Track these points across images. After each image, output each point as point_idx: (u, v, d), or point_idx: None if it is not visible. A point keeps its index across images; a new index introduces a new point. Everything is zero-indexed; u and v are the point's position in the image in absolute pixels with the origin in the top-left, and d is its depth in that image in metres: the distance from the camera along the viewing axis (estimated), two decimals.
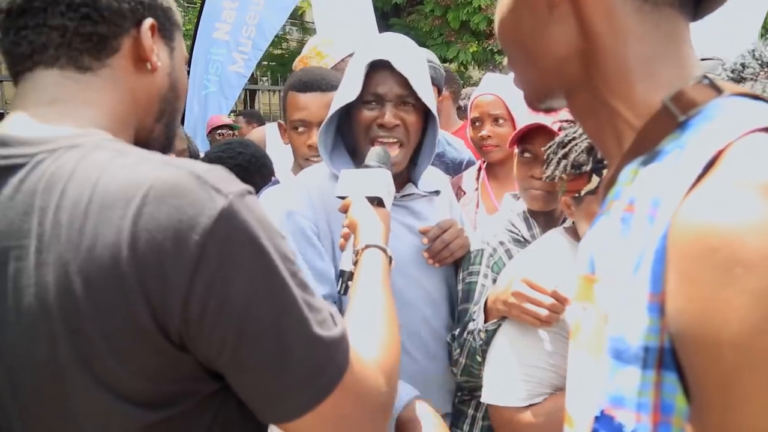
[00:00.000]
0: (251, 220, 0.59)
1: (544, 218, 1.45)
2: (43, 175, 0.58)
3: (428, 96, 1.30)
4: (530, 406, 1.12)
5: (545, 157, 1.24)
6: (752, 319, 0.38)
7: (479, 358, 1.25)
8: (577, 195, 1.17)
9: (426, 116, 1.35)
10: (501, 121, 1.84)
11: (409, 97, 1.27)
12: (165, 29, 0.74)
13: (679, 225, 0.44)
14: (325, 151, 1.34)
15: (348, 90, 1.26)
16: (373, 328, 0.75)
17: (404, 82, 1.26)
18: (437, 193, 1.45)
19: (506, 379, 1.17)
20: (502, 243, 1.39)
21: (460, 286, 1.39)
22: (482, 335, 1.21)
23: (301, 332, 0.60)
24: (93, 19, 0.66)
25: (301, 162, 1.64)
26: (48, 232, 0.56)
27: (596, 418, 0.51)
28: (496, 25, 0.63)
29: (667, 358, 0.45)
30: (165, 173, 0.57)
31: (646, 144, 0.53)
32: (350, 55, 2.05)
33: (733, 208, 0.40)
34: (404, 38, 1.35)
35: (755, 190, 0.40)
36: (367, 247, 0.94)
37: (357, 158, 1.35)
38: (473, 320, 1.27)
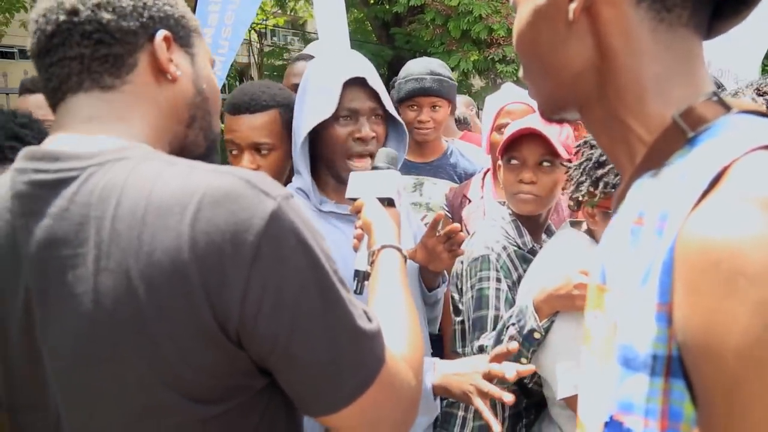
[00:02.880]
0: (297, 221, 0.62)
1: (530, 224, 1.49)
2: (96, 187, 0.61)
3: (392, 107, 1.36)
4: None
5: (572, 175, 1.26)
6: (754, 329, 0.40)
7: (524, 361, 1.25)
8: (608, 212, 1.19)
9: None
10: None
11: (378, 110, 1.33)
12: (181, 37, 0.75)
13: (685, 238, 0.45)
14: (305, 169, 1.34)
15: (321, 107, 1.28)
16: (398, 326, 0.78)
17: (374, 96, 1.32)
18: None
19: (577, 368, 1.19)
20: (505, 248, 1.41)
21: (469, 294, 1.38)
22: (536, 335, 1.22)
23: (346, 326, 0.63)
24: (106, 42, 0.68)
25: None
26: (106, 240, 0.59)
27: (606, 423, 0.52)
28: (514, 36, 0.64)
29: (675, 365, 0.47)
30: (217, 180, 0.61)
31: (657, 159, 0.54)
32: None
33: (735, 223, 0.42)
34: (358, 53, 1.40)
35: (757, 205, 0.42)
36: (383, 247, 0.96)
37: (331, 174, 1.36)
38: (512, 325, 1.25)
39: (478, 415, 1.38)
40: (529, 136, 1.40)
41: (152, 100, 0.72)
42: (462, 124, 3.40)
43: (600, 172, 1.19)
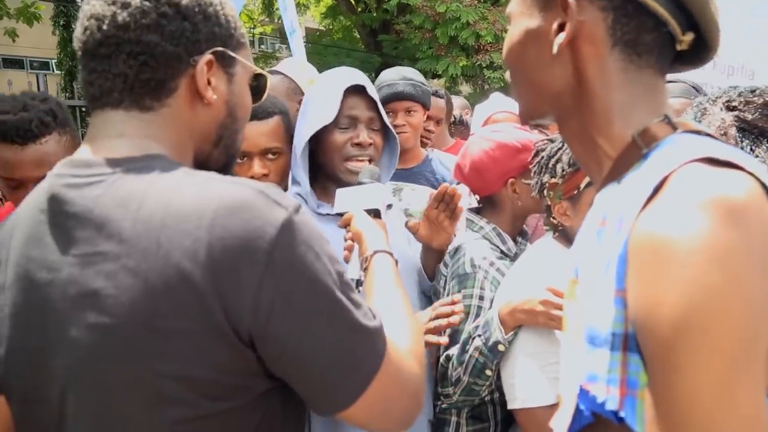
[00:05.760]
0: (306, 229, 0.67)
1: (512, 231, 1.54)
2: (119, 192, 0.66)
3: (387, 120, 1.44)
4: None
5: (533, 184, 1.33)
6: (682, 303, 0.49)
7: (489, 372, 1.27)
8: (576, 192, 1.24)
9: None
10: None
11: (376, 121, 1.40)
12: (224, 58, 0.76)
13: (635, 235, 0.55)
14: (305, 175, 1.40)
15: (322, 114, 1.34)
16: (399, 321, 0.82)
17: (373, 106, 1.39)
18: (390, 206, 1.52)
19: (534, 382, 1.22)
20: (492, 264, 1.42)
21: None
22: (501, 348, 1.25)
23: (351, 325, 0.67)
24: (150, 65, 0.70)
25: None
26: (127, 240, 0.63)
27: (577, 394, 0.61)
28: (503, 49, 0.71)
29: (631, 342, 0.55)
30: (232, 189, 0.65)
31: (619, 171, 0.64)
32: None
33: (671, 221, 0.52)
34: (357, 70, 1.45)
35: (687, 207, 0.52)
36: (375, 252, 0.99)
37: (331, 179, 1.40)
38: (478, 336, 1.29)
39: (471, 420, 1.43)
40: None
41: (185, 122, 0.75)
42: (460, 125, 3.37)
43: (552, 160, 1.27)
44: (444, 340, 1.14)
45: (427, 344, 1.13)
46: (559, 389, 0.69)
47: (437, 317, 1.16)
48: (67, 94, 9.67)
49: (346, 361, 0.67)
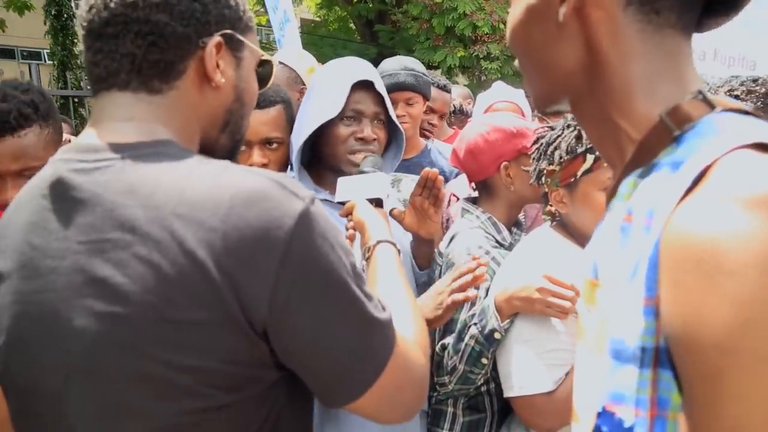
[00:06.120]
0: (322, 221, 0.66)
1: (507, 220, 1.55)
2: (129, 177, 0.64)
3: (394, 114, 1.44)
4: (556, 388, 1.20)
5: (531, 173, 1.33)
6: (732, 323, 0.41)
7: (485, 361, 1.28)
8: (573, 180, 1.23)
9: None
10: None
11: (381, 115, 1.40)
12: (233, 41, 0.74)
13: (669, 234, 0.47)
14: (297, 163, 1.40)
15: (327, 107, 1.33)
16: (404, 311, 0.82)
17: (380, 101, 1.38)
18: (388, 197, 1.53)
19: (531, 369, 1.22)
20: (487, 252, 1.43)
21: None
22: (497, 335, 1.25)
23: (365, 317, 0.67)
24: (159, 46, 0.69)
25: None
26: (138, 228, 0.61)
27: (598, 414, 0.54)
28: (507, 32, 0.65)
29: (663, 357, 0.48)
30: (248, 179, 0.64)
31: (644, 157, 0.56)
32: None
33: (716, 220, 0.44)
34: (366, 62, 1.44)
35: (736, 203, 0.43)
36: (378, 242, 0.99)
37: (331, 169, 1.39)
38: (474, 324, 1.29)
39: (467, 411, 1.43)
40: None
41: (193, 106, 0.73)
42: (461, 114, 3.35)
43: (551, 147, 1.27)
44: (473, 293, 1.13)
45: (456, 303, 1.14)
46: (574, 403, 0.63)
47: (460, 276, 1.16)
48: (60, 85, 9.56)
49: (360, 353, 0.67)
